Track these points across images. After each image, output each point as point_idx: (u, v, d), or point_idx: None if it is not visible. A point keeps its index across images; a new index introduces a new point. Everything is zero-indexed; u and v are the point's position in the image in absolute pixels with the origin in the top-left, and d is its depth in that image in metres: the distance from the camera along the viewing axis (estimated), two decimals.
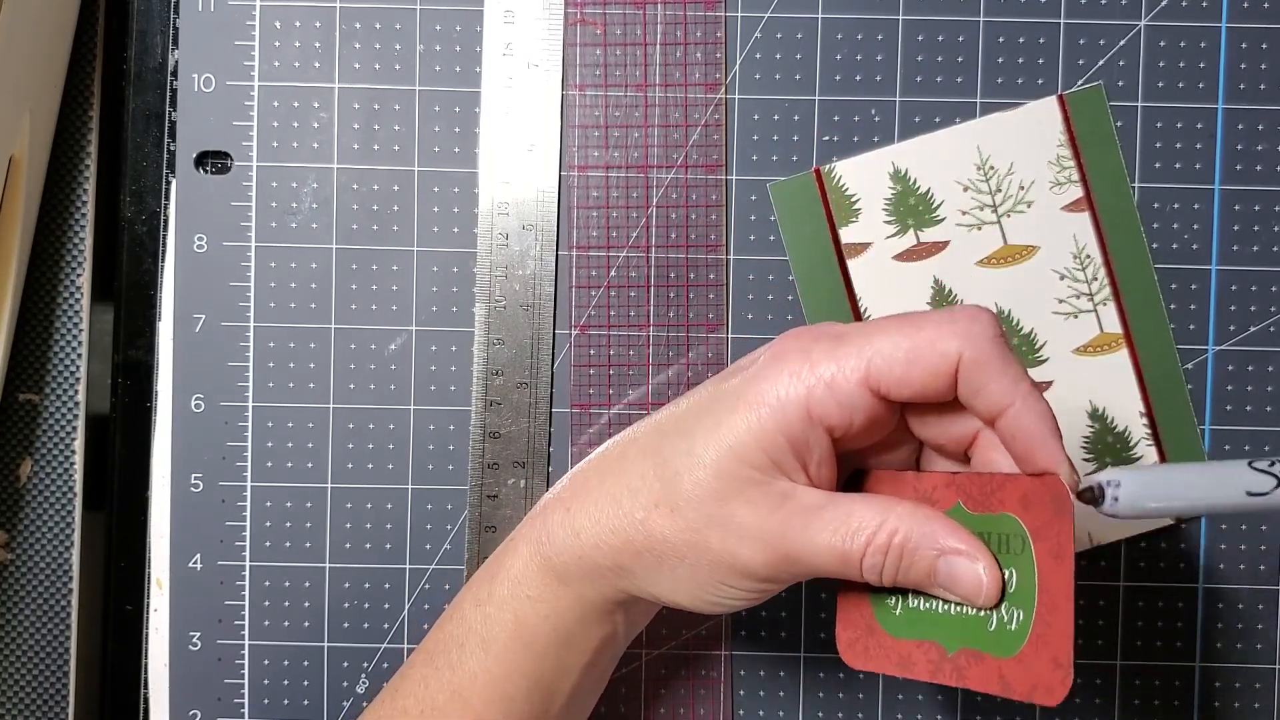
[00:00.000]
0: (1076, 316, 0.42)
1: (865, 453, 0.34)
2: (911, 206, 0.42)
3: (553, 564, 0.34)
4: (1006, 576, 0.31)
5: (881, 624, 0.33)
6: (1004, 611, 0.31)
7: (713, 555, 0.32)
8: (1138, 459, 0.42)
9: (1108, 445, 0.42)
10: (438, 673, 0.35)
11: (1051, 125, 0.42)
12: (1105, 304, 0.42)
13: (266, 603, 0.43)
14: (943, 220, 0.42)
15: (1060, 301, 0.42)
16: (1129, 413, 0.42)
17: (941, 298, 0.42)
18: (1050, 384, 0.42)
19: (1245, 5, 0.42)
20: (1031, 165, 0.42)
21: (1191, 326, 0.42)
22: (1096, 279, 0.42)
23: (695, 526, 0.32)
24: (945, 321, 0.31)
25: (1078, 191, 0.42)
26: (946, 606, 0.32)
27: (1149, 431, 0.42)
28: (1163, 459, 0.42)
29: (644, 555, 0.33)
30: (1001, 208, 0.42)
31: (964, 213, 0.42)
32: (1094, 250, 0.42)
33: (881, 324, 0.31)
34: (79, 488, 0.43)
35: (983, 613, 0.31)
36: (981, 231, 0.42)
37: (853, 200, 0.42)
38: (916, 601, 0.33)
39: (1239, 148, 0.42)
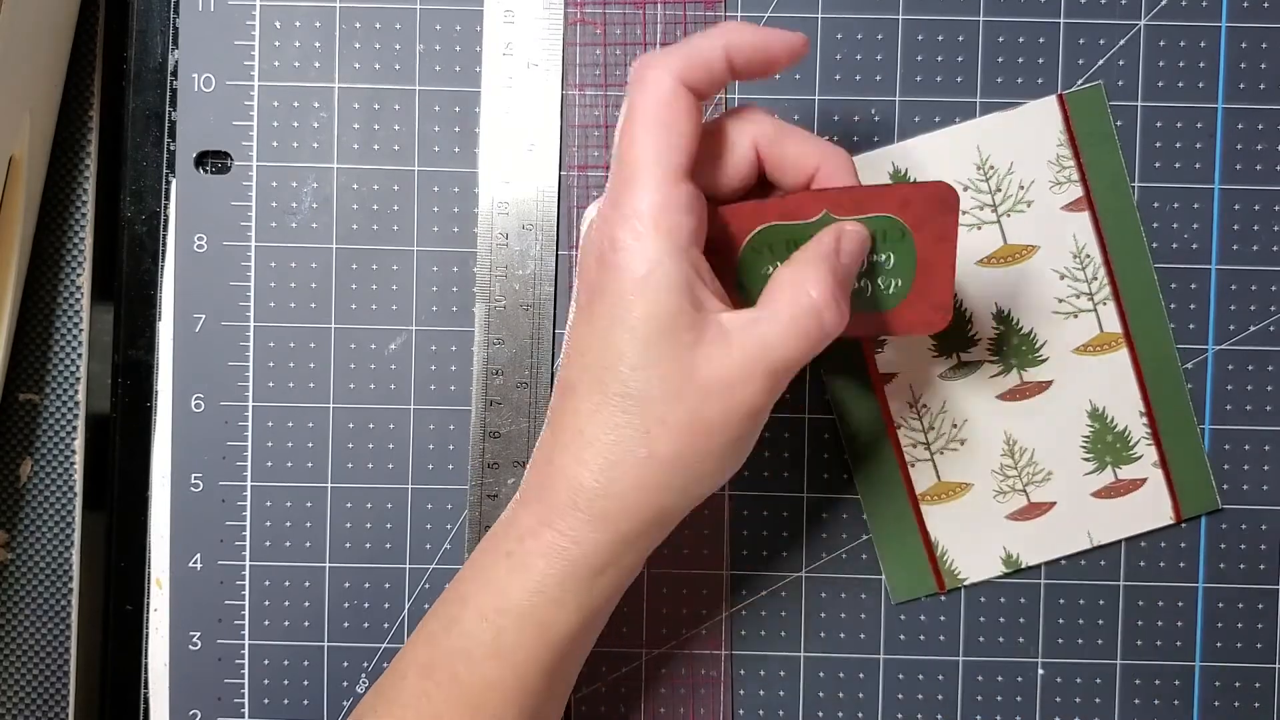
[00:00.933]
0: (1076, 316, 0.42)
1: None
2: None
3: (582, 563, 0.34)
4: (883, 259, 0.35)
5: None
6: (880, 281, 0.36)
7: (724, 426, 0.32)
8: (1138, 459, 0.42)
9: (1107, 444, 0.42)
10: (440, 687, 0.34)
11: (1051, 125, 0.42)
12: (1105, 303, 0.42)
13: (266, 602, 0.43)
14: None
15: (1060, 301, 0.42)
16: (1129, 412, 0.42)
17: None
18: (1050, 383, 0.42)
19: (1245, 5, 0.42)
20: (1031, 165, 0.42)
21: (1191, 326, 0.42)
22: (1096, 278, 0.42)
23: (691, 418, 0.32)
24: (637, 84, 0.33)
25: (1078, 191, 0.42)
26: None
27: (1149, 431, 0.42)
28: (1162, 458, 0.42)
29: (670, 487, 0.33)
30: (1001, 207, 0.42)
31: (964, 212, 0.42)
32: (1094, 250, 0.42)
33: (624, 140, 0.33)
34: (79, 488, 0.43)
35: (860, 282, 0.36)
36: (981, 231, 0.42)
37: None
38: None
39: (1239, 147, 0.42)
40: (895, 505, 0.42)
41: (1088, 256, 0.42)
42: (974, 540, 0.42)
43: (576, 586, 0.34)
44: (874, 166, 0.42)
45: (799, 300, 0.32)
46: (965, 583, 0.42)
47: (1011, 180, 0.42)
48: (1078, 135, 0.42)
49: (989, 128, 0.42)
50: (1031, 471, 0.42)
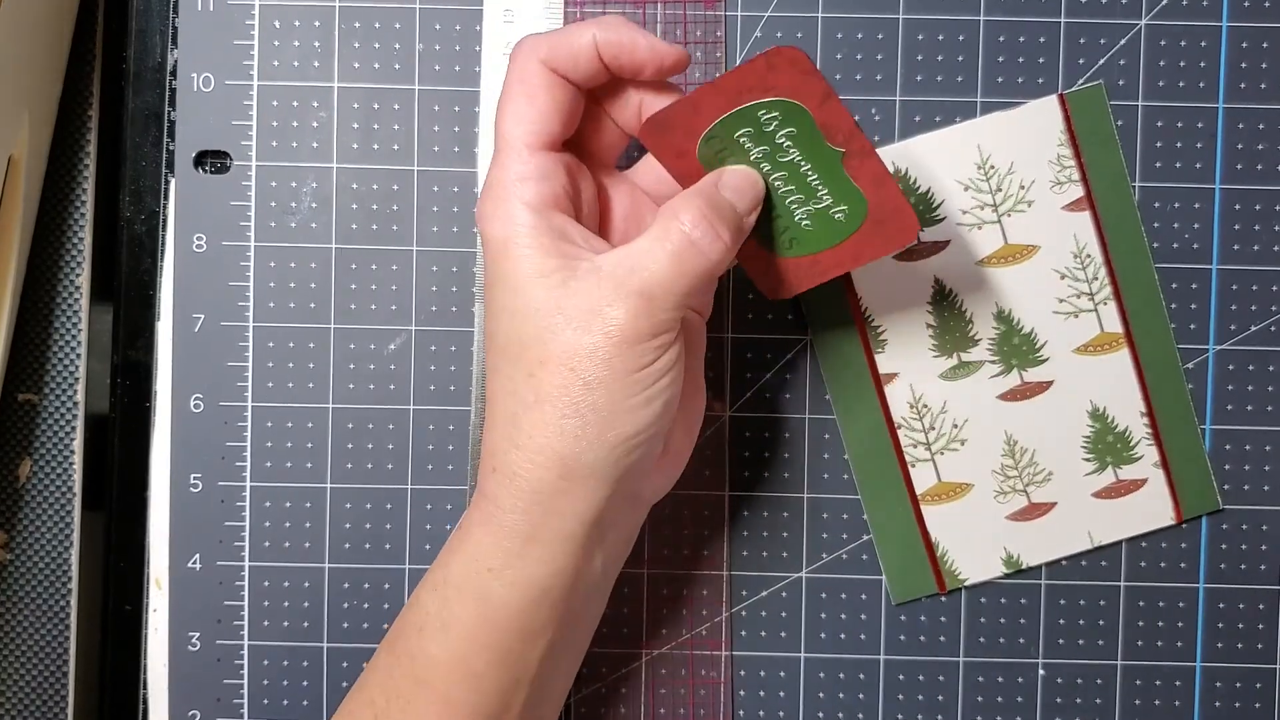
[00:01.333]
0: (1077, 316, 0.42)
1: (590, 144, 0.37)
2: (912, 206, 0.42)
3: (508, 526, 0.33)
4: (812, 179, 0.35)
5: (776, 252, 0.37)
6: (830, 212, 0.36)
7: (604, 355, 0.32)
8: (1139, 459, 0.42)
9: (1108, 445, 0.42)
10: (399, 661, 0.35)
11: (1052, 125, 0.42)
12: (1106, 303, 0.42)
13: (266, 603, 0.42)
14: (943, 220, 0.42)
15: (1061, 301, 0.42)
16: (1130, 412, 0.42)
17: (942, 298, 0.42)
18: (1051, 383, 0.42)
19: (1245, 5, 0.42)
20: (1032, 165, 0.42)
21: (1192, 326, 0.42)
22: (1097, 278, 0.42)
23: (569, 352, 0.33)
24: (513, 57, 0.35)
25: (1078, 191, 0.42)
26: (796, 220, 0.36)
27: (1149, 431, 0.42)
28: (1163, 459, 0.42)
29: (567, 431, 0.33)
30: (1002, 207, 0.42)
31: (964, 212, 0.42)
32: (1094, 250, 0.42)
33: (496, 112, 0.35)
34: (78, 488, 0.43)
35: (805, 222, 0.36)
36: (982, 231, 0.42)
37: None
38: (782, 221, 0.36)
39: (1239, 147, 0.42)
40: (895, 506, 0.42)
41: (1088, 256, 0.42)
42: (974, 541, 0.42)
43: (509, 554, 0.33)
44: None
45: (669, 227, 0.33)
46: (966, 583, 0.42)
47: (1012, 180, 0.42)
48: (1078, 135, 0.42)
49: (989, 127, 0.42)
50: (1032, 472, 0.42)
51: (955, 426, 0.42)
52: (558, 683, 0.36)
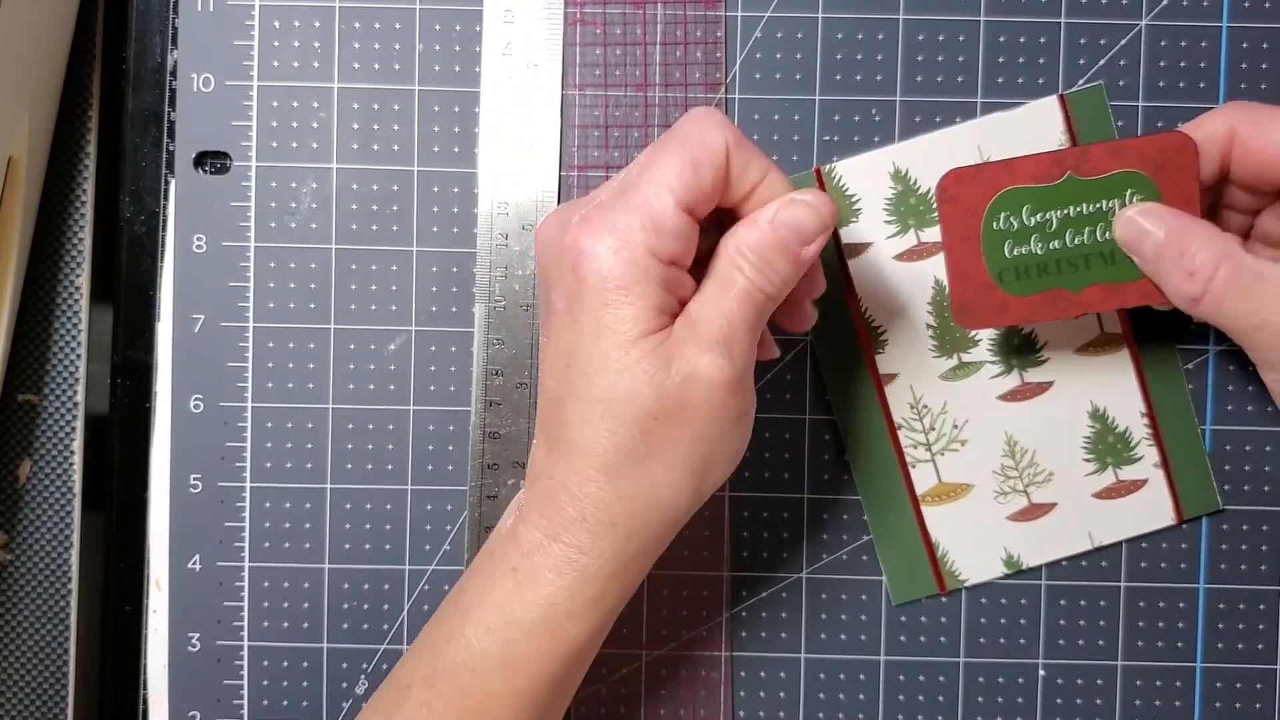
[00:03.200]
0: (1078, 316, 0.42)
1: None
2: (912, 206, 0.42)
3: (594, 572, 0.34)
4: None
5: (1002, 285, 0.38)
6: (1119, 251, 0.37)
7: (704, 403, 0.33)
8: (1139, 460, 0.42)
9: (1109, 445, 0.42)
10: (443, 698, 0.35)
11: (1052, 125, 0.42)
12: None
13: (265, 603, 0.42)
14: None
15: None
16: (1130, 413, 0.42)
17: (942, 298, 0.42)
18: (1051, 384, 0.42)
19: (1246, 5, 0.42)
20: None
21: (1192, 326, 0.42)
22: None
23: (680, 408, 0.33)
24: (695, 125, 0.34)
25: None
26: (1073, 252, 0.37)
27: (1150, 432, 0.42)
28: (1164, 459, 0.42)
29: (673, 484, 0.34)
30: None
31: None
32: None
33: (653, 162, 0.34)
34: (78, 488, 0.43)
35: (1105, 252, 0.37)
36: None
37: (853, 200, 0.42)
38: (1041, 249, 0.37)
39: None
40: (896, 506, 0.42)
41: None
42: (975, 541, 0.42)
43: (588, 596, 0.34)
44: (874, 167, 0.42)
45: (733, 277, 0.34)
46: (966, 584, 0.42)
47: None
48: (1079, 135, 0.42)
49: (990, 127, 0.42)
50: (1032, 472, 0.42)
51: (955, 427, 0.42)
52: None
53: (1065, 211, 0.37)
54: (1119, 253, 0.37)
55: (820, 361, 0.42)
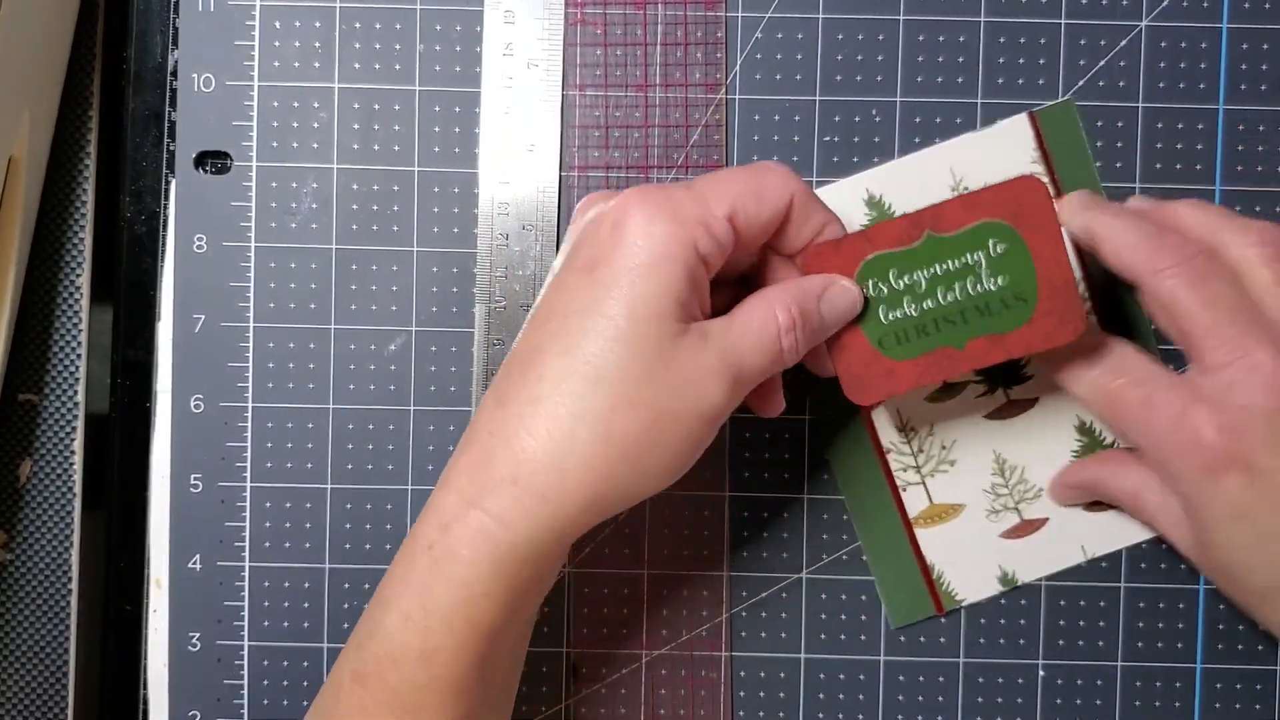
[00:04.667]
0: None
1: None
2: None
3: (513, 554, 0.33)
4: (991, 280, 0.36)
5: (884, 352, 0.37)
6: (1001, 296, 0.36)
7: (685, 422, 0.33)
8: None
9: None
10: (373, 694, 0.34)
11: (1024, 143, 0.42)
12: (1088, 316, 0.42)
13: (266, 603, 0.42)
14: None
15: None
16: None
17: None
18: (1036, 400, 0.42)
19: (1245, 5, 0.42)
20: None
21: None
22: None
23: (658, 405, 0.33)
24: (769, 170, 0.35)
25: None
26: (948, 309, 0.36)
27: None
28: None
29: (614, 475, 0.33)
30: None
31: None
32: (1072, 263, 0.42)
33: (722, 176, 0.35)
34: (78, 488, 0.43)
35: (980, 305, 0.36)
36: None
37: None
38: (916, 310, 0.37)
39: (1239, 148, 0.42)
40: (889, 530, 0.42)
41: None
42: (969, 561, 0.42)
43: (504, 576, 0.33)
44: (847, 193, 0.42)
45: (768, 320, 0.34)
46: (963, 603, 0.42)
47: None
48: (1051, 151, 0.42)
49: (961, 149, 0.42)
50: (1023, 489, 0.42)
51: (944, 448, 0.42)
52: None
53: (931, 270, 0.36)
54: (994, 304, 0.36)
55: (808, 392, 0.42)
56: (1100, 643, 0.42)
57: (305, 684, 0.43)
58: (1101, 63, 0.42)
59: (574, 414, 0.32)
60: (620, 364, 0.32)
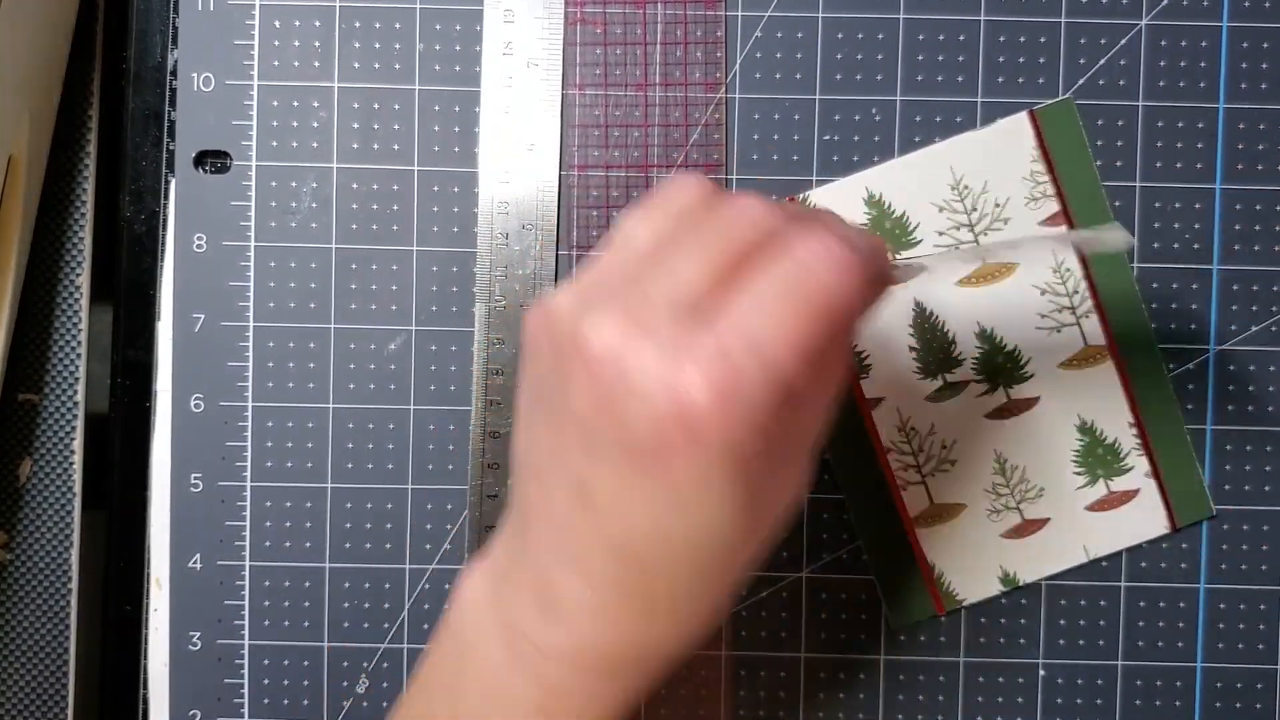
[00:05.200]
0: (1060, 330, 0.42)
1: None
2: (888, 230, 0.42)
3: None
4: None
5: None
6: None
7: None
8: (1130, 470, 0.42)
9: (1098, 457, 0.42)
10: None
11: (1023, 142, 0.42)
12: (1088, 316, 0.42)
13: (266, 603, 0.43)
14: (920, 242, 0.42)
15: (1043, 316, 0.42)
16: (1118, 423, 0.42)
17: (923, 320, 0.42)
18: (1037, 399, 0.42)
19: (1246, 5, 0.42)
20: (1005, 182, 0.42)
21: (1192, 326, 0.42)
22: (1077, 292, 0.42)
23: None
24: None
25: (1054, 205, 0.42)
26: None
27: (1139, 441, 0.42)
28: (1154, 467, 0.42)
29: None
30: (978, 226, 0.42)
31: (941, 233, 0.42)
32: (1073, 263, 0.42)
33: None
34: (78, 488, 0.43)
35: None
36: (959, 251, 0.42)
37: None
38: None
39: (1240, 147, 0.42)
40: (890, 531, 0.42)
41: (1068, 270, 0.42)
42: (970, 561, 0.42)
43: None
44: (847, 192, 0.42)
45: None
46: (964, 604, 0.42)
47: (986, 199, 0.42)
48: (1051, 150, 0.42)
49: (961, 148, 0.42)
50: (1024, 489, 0.42)
51: (944, 448, 0.42)
52: None
53: None
54: None
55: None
56: (1100, 642, 0.42)
57: (305, 683, 0.43)
58: (1102, 61, 0.42)
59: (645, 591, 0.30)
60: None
